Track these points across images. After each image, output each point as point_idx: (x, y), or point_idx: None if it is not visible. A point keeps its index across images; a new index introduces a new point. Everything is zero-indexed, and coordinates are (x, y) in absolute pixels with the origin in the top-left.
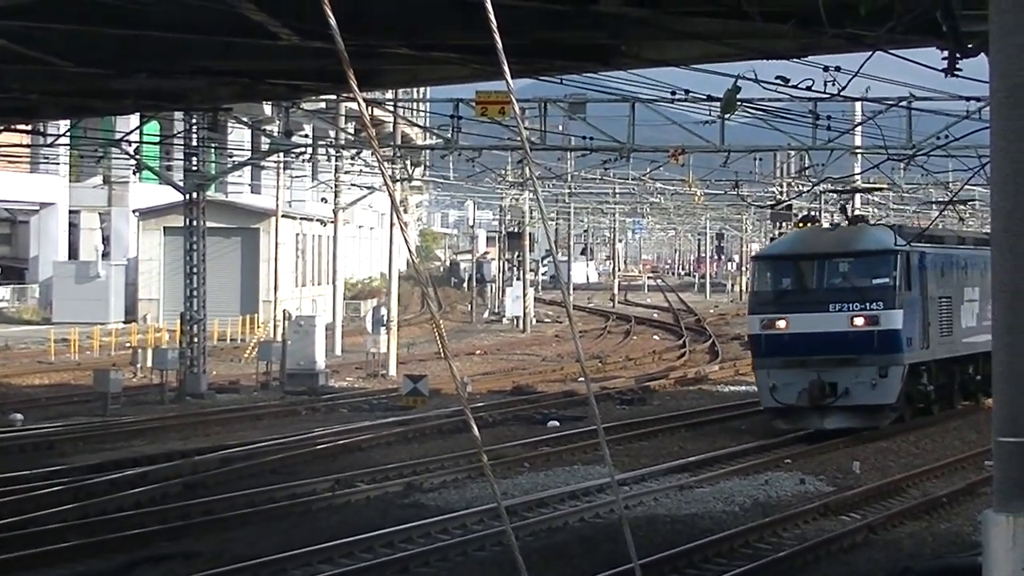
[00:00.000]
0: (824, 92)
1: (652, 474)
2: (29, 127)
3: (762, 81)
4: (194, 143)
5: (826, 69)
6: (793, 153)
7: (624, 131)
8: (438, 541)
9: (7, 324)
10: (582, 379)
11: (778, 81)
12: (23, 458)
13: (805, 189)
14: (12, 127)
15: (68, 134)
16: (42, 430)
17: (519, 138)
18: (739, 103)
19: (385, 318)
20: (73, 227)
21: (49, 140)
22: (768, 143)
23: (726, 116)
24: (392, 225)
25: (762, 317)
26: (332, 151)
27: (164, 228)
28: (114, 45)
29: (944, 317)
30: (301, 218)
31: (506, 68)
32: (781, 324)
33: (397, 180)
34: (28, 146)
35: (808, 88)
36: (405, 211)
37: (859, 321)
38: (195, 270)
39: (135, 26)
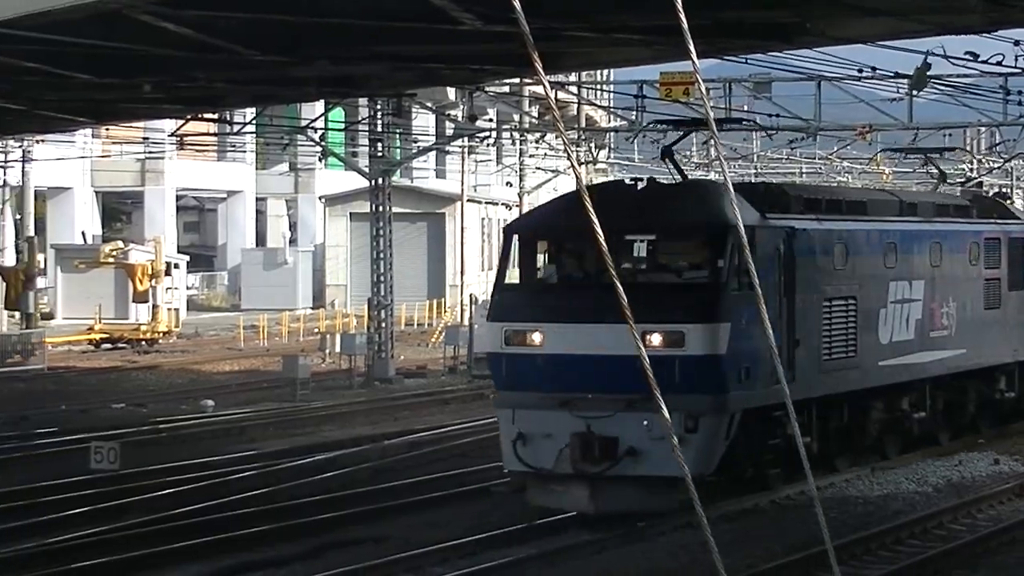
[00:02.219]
0: (1015, 66)
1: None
2: (215, 116)
3: (951, 57)
4: (379, 129)
5: (1017, 43)
6: (983, 129)
7: (810, 110)
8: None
9: (196, 311)
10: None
11: (967, 56)
12: (214, 444)
13: (996, 166)
14: (199, 116)
15: (254, 122)
16: (232, 416)
17: (705, 118)
18: (929, 79)
19: None
20: (260, 214)
21: (235, 128)
22: (957, 120)
23: (916, 93)
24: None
25: (506, 327)
26: (516, 135)
27: (350, 214)
28: (296, 32)
29: (841, 330)
30: (486, 202)
31: (692, 48)
32: (535, 339)
33: (582, 163)
34: (215, 135)
35: (998, 63)
36: None
37: (655, 339)
38: (381, 255)
39: (317, 13)
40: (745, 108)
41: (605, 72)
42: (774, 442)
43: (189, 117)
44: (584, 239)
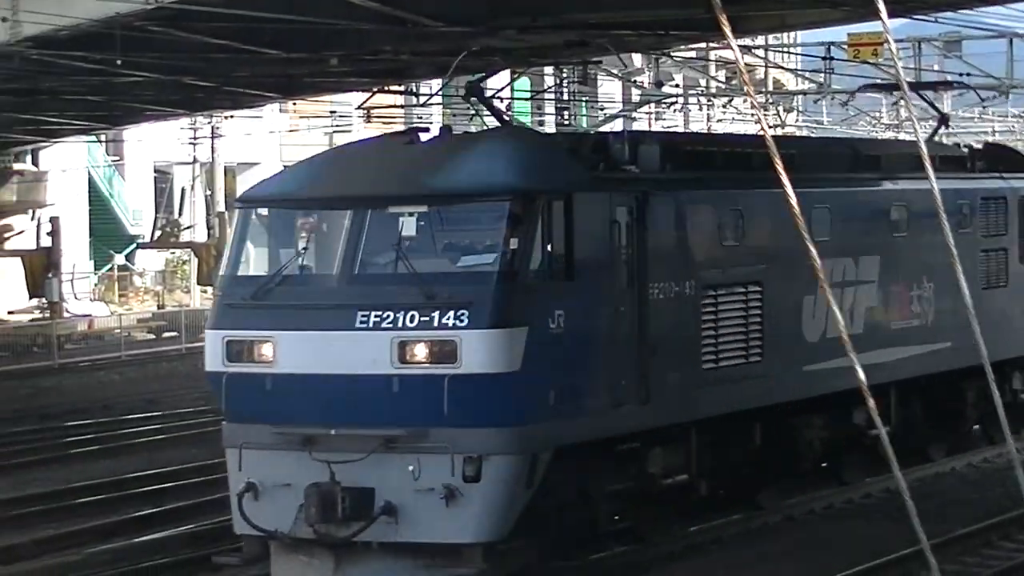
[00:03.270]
0: None
1: None
2: (402, 88)
3: None
4: (565, 97)
5: None
6: None
7: (1002, 68)
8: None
9: None
10: None
11: None
12: None
13: None
14: (385, 88)
15: (440, 93)
16: None
17: (895, 79)
18: None
19: None
20: None
21: (422, 100)
22: None
23: None
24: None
25: (227, 336)
26: (703, 100)
27: None
28: (482, 3)
29: (735, 329)
30: None
31: (882, 7)
32: (264, 353)
33: (770, 127)
34: (401, 106)
35: None
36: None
37: (419, 352)
38: None
39: None
40: (935, 67)
41: (792, 34)
42: (618, 487)
43: (375, 90)
44: (332, 213)
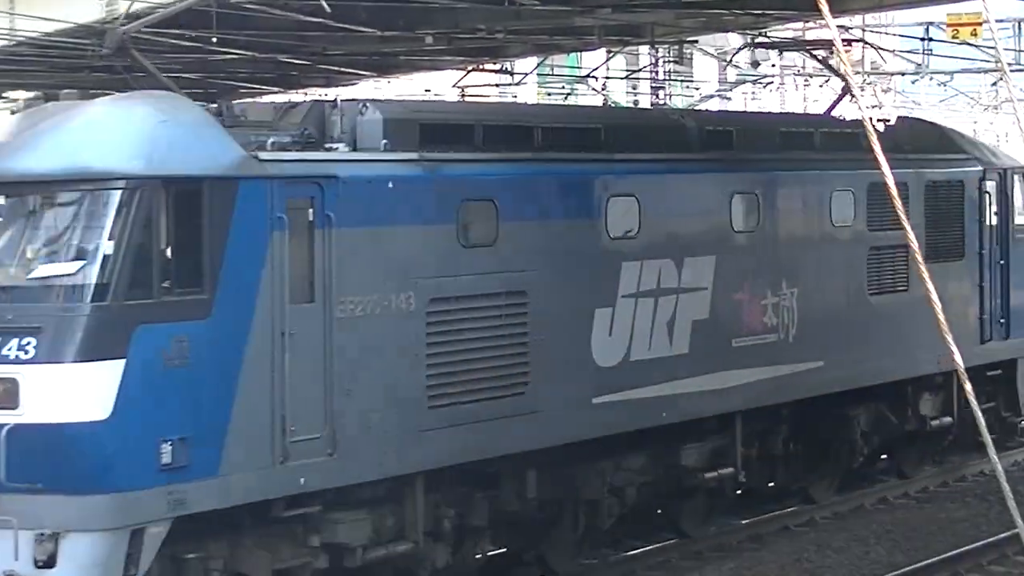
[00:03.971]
0: None
1: None
2: (497, 67)
3: None
4: (660, 77)
5: None
6: None
7: None
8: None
9: None
10: None
11: None
12: None
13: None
14: (480, 67)
15: (535, 72)
16: None
17: (995, 59)
18: None
19: None
20: None
21: (516, 79)
22: None
23: None
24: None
25: None
26: (800, 80)
27: None
28: None
29: (479, 353)
30: None
31: None
32: None
33: (869, 107)
34: (496, 85)
35: None
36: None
37: None
38: None
39: None
40: None
41: (890, 13)
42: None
43: (470, 69)
44: None
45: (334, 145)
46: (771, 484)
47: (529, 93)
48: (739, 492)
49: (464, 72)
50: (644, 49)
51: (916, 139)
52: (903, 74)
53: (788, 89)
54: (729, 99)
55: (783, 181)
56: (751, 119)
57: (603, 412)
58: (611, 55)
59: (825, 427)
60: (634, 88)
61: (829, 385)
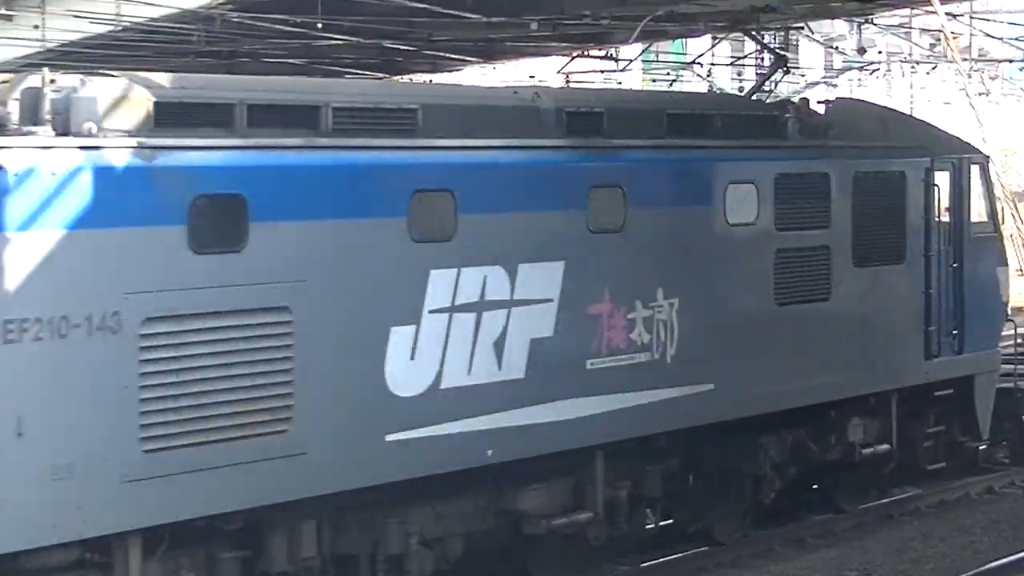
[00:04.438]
0: None
1: None
2: (602, 53)
3: None
4: (766, 63)
5: None
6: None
7: None
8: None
9: None
10: None
11: None
12: None
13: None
14: (585, 53)
15: (640, 58)
16: None
17: None
18: None
19: None
20: None
21: (621, 65)
22: None
23: None
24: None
25: None
26: (907, 67)
27: None
28: None
29: (203, 386)
30: None
31: None
32: None
33: (979, 94)
34: (602, 71)
35: None
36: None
37: None
38: None
39: None
40: None
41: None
42: None
43: (575, 55)
44: None
45: (35, 128)
46: (649, 527)
47: (634, 80)
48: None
49: (569, 58)
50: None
51: (849, 124)
52: (1011, 61)
53: (895, 76)
54: (835, 86)
55: (660, 172)
56: (630, 99)
57: (401, 451)
58: (716, 42)
59: (726, 459)
60: (739, 75)
61: (722, 411)
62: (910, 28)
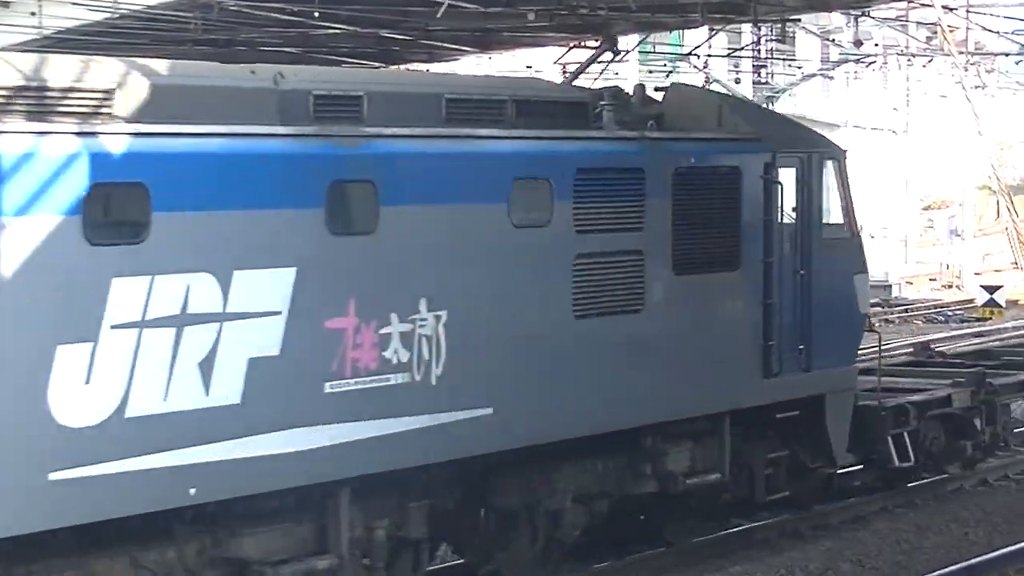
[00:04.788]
0: None
1: None
2: (599, 44)
3: None
4: (762, 55)
5: None
6: None
7: None
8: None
9: None
10: None
11: None
12: None
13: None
14: (582, 44)
15: (637, 49)
16: None
17: None
18: None
19: (959, 228)
20: None
21: (619, 56)
22: None
23: None
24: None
25: None
26: (903, 60)
27: None
28: None
29: None
30: (871, 129)
31: None
32: None
33: (975, 88)
34: (599, 61)
35: None
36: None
37: None
38: None
39: None
40: None
41: None
42: None
43: (572, 45)
44: None
45: None
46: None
47: (631, 71)
48: None
49: (566, 49)
50: (747, 28)
51: (682, 113)
52: (1007, 55)
53: (891, 69)
54: (831, 78)
55: (426, 165)
56: (402, 81)
57: (71, 492)
58: (713, 33)
59: (518, 493)
60: (736, 67)
61: (504, 439)
62: (907, 21)
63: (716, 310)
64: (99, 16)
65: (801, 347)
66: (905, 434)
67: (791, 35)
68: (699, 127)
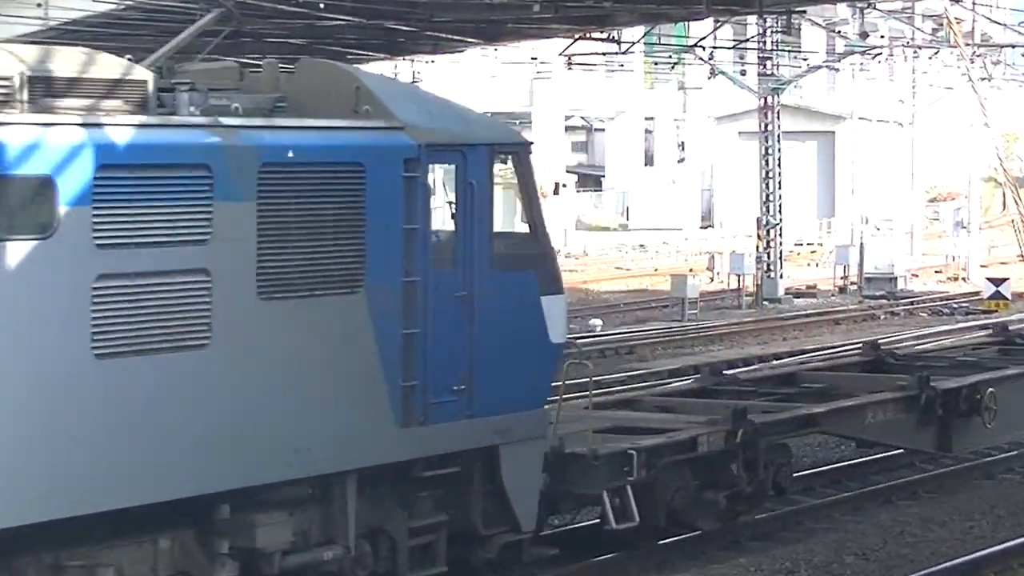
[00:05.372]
0: None
1: None
2: (604, 35)
3: None
4: (768, 47)
5: None
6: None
7: None
8: None
9: (585, 231)
10: None
11: None
12: (603, 362)
13: None
14: (587, 35)
15: (643, 41)
16: (620, 335)
17: None
18: None
19: (965, 221)
20: (648, 133)
21: (624, 48)
22: None
23: None
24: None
25: None
26: (909, 52)
27: (739, 132)
28: None
29: None
30: (877, 121)
31: None
32: None
33: (981, 80)
34: (603, 54)
35: None
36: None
37: None
38: (771, 175)
39: None
40: None
41: None
42: None
43: (577, 37)
44: None
45: None
46: None
47: (636, 62)
48: None
49: (571, 40)
50: (752, 19)
51: (306, 98)
52: (1013, 47)
53: (897, 60)
54: (837, 70)
55: None
56: None
57: None
58: (719, 25)
59: None
60: (741, 58)
61: (6, 516)
62: (913, 13)
63: (324, 343)
64: (104, 7)
65: (461, 387)
66: (627, 487)
67: (797, 27)
68: (329, 113)
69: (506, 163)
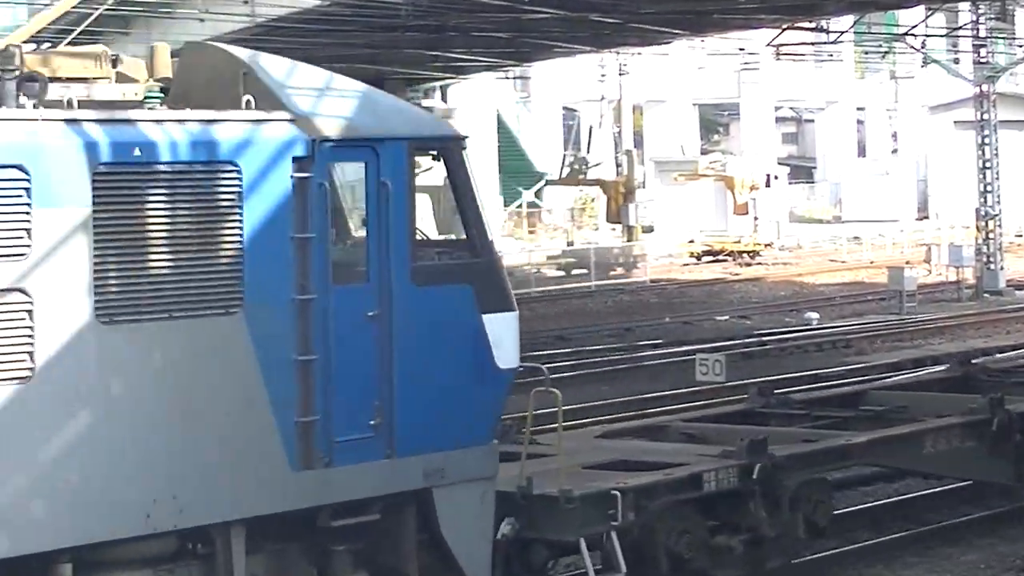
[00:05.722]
0: None
1: None
2: (812, 25)
3: None
4: (981, 34)
5: None
6: None
7: None
8: None
9: (798, 223)
10: None
11: None
12: (820, 357)
13: None
14: (795, 25)
15: (852, 30)
16: (837, 328)
17: None
18: None
19: None
20: (860, 124)
21: (832, 37)
22: None
23: None
24: None
25: None
26: None
27: (954, 122)
28: None
29: None
30: None
31: None
32: None
33: None
34: (812, 43)
35: None
36: None
37: None
38: (988, 164)
39: None
40: None
41: None
42: None
43: (785, 27)
44: None
45: None
46: None
47: (846, 52)
48: None
49: (779, 31)
50: (965, 6)
51: (189, 84)
52: None
53: None
54: None
55: None
56: None
57: None
58: (930, 12)
59: None
60: (954, 46)
61: None
62: None
63: (191, 373)
64: (311, 3)
65: (377, 422)
66: (612, 534)
67: (1011, 12)
68: (212, 102)
69: (438, 160)
